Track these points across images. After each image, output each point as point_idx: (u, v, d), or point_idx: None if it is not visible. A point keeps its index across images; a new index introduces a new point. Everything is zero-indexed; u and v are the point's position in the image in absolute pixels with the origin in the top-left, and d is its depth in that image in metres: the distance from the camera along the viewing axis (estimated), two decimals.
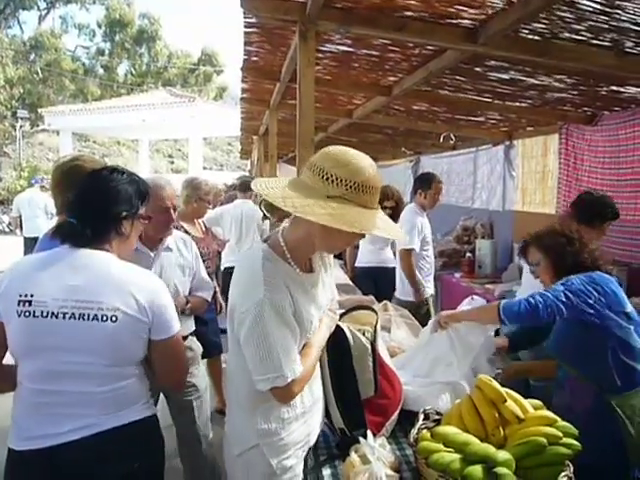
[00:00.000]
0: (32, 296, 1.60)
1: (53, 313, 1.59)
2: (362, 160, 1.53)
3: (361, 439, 1.68)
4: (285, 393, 1.55)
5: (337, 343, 1.78)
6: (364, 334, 1.85)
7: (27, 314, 1.59)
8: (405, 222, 4.30)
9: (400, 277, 4.41)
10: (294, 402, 1.65)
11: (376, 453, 1.64)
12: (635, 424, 2.01)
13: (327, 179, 1.47)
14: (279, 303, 1.52)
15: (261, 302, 1.49)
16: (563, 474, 1.52)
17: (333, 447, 1.89)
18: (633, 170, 4.22)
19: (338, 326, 1.81)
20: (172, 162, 32.90)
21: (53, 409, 1.62)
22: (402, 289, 4.41)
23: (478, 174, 6.53)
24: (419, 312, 4.05)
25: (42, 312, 1.59)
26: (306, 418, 1.72)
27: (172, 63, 34.72)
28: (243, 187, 5.69)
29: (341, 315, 1.96)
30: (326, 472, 1.75)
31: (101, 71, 34.22)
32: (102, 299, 1.61)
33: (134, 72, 34.16)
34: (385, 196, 4.51)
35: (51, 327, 1.59)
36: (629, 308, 2.09)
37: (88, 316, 1.60)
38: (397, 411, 1.93)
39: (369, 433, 1.71)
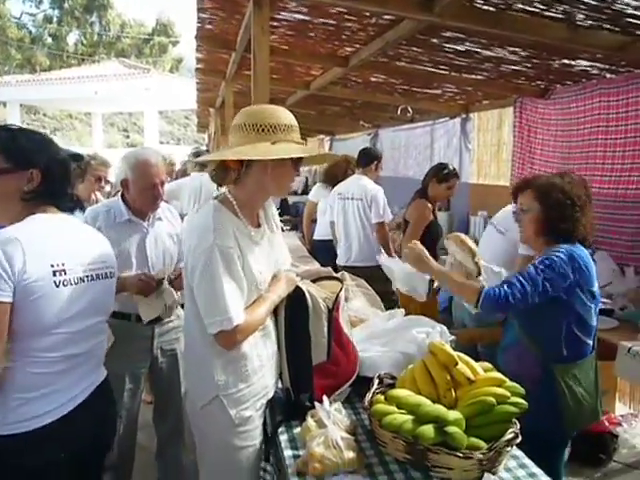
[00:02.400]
0: (64, 264, 1.62)
1: (81, 278, 1.67)
2: (272, 106, 1.76)
3: (317, 404, 1.71)
4: (229, 338, 1.66)
5: (295, 304, 1.82)
6: (325, 300, 1.87)
7: (65, 283, 1.62)
8: (376, 193, 4.42)
9: (368, 245, 4.45)
10: (251, 356, 1.76)
11: (332, 417, 1.67)
12: (574, 393, 2.08)
13: (252, 129, 1.66)
14: (228, 251, 1.65)
15: (211, 247, 1.63)
16: (510, 430, 1.58)
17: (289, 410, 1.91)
18: (583, 143, 4.34)
19: (298, 287, 1.85)
20: (127, 136, 32.13)
21: (73, 371, 1.67)
22: (369, 256, 4.37)
23: (435, 147, 6.60)
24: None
25: (75, 278, 1.65)
26: (264, 372, 1.81)
27: (125, 33, 33.59)
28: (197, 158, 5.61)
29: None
30: (283, 437, 1.77)
31: (49, 40, 32.86)
32: (104, 258, 1.78)
33: (85, 42, 32.94)
34: (351, 164, 4.91)
35: (81, 292, 1.66)
36: (595, 287, 2.10)
37: (102, 275, 1.76)
38: (351, 379, 1.95)
39: (325, 398, 1.73)
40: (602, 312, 3.13)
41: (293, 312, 1.83)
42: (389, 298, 3.65)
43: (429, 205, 3.95)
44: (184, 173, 6.53)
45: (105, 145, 23.59)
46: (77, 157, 2.98)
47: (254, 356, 1.77)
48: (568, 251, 2.03)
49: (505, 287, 2.00)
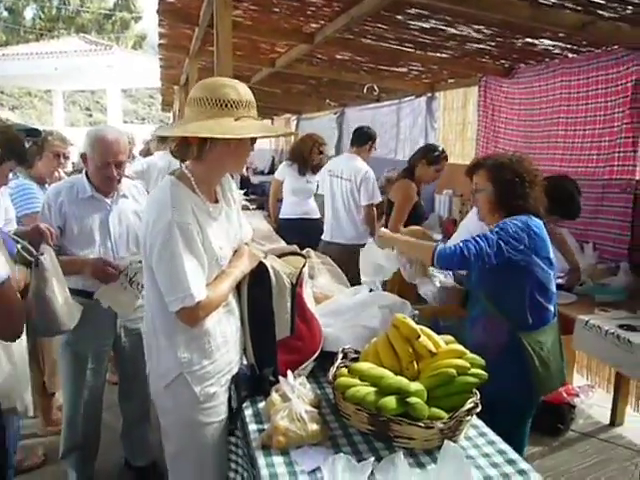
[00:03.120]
0: None
1: None
2: (231, 81, 1.72)
3: (281, 379, 1.72)
4: (192, 315, 1.65)
5: (258, 280, 1.82)
6: (288, 276, 1.87)
7: None
8: (366, 176, 4.42)
9: (352, 224, 4.51)
10: (214, 332, 1.76)
11: (296, 391, 1.68)
12: (541, 359, 2.16)
13: (214, 104, 1.63)
14: (187, 227, 1.63)
15: (170, 224, 1.61)
16: (470, 400, 1.62)
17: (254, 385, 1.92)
18: (545, 122, 4.41)
19: (262, 263, 1.85)
20: (90, 115, 31.29)
21: None
22: (352, 235, 4.51)
23: (401, 126, 6.61)
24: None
25: None
26: (227, 348, 1.82)
27: (85, 7, 32.46)
28: (162, 138, 5.50)
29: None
30: (247, 412, 1.78)
31: (5, 14, 31.57)
32: None
33: (43, 16, 31.71)
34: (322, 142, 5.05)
35: None
36: (552, 254, 2.20)
37: None
38: (315, 354, 1.97)
39: (289, 372, 1.74)
40: (561, 287, 3.23)
41: (256, 288, 1.83)
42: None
43: (413, 185, 3.92)
44: (147, 152, 6.42)
45: (67, 124, 22.99)
46: (34, 132, 2.90)
47: (217, 333, 1.77)
48: (523, 220, 2.13)
49: (460, 244, 2.11)
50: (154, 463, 2.91)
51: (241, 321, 1.88)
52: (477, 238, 2.10)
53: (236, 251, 1.86)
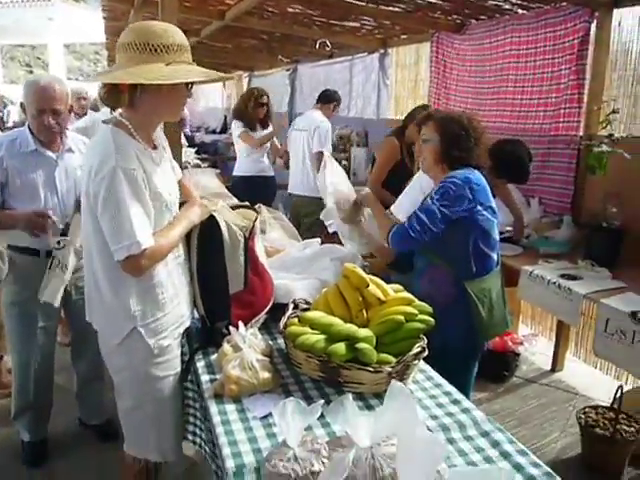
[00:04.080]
0: None
1: None
2: (162, 24, 1.67)
3: (232, 329, 1.73)
4: (137, 263, 1.60)
5: (208, 234, 1.81)
6: (241, 229, 1.86)
7: None
8: (320, 125, 4.67)
9: (308, 176, 4.77)
10: (167, 284, 1.74)
11: (247, 341, 1.70)
12: (485, 305, 2.23)
13: (143, 49, 1.57)
14: (132, 173, 1.59)
15: (114, 169, 1.56)
16: (417, 345, 1.67)
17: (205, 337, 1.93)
18: (495, 78, 4.44)
19: (213, 217, 1.82)
20: (30, 71, 29.72)
21: None
22: (308, 187, 4.76)
23: (354, 83, 6.55)
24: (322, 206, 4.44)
25: None
26: (179, 300, 1.81)
27: None
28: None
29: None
30: (200, 364, 1.79)
31: None
32: None
33: None
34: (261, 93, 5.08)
35: None
36: (493, 203, 2.25)
37: None
38: (267, 308, 1.98)
39: (240, 324, 1.75)
40: (508, 240, 3.33)
41: (207, 243, 1.82)
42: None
43: (396, 143, 3.87)
44: (95, 108, 6.20)
45: (6, 80, 21.89)
46: None
47: (169, 284, 1.76)
48: (463, 175, 2.16)
49: (405, 224, 2.17)
50: (108, 421, 2.91)
51: (191, 274, 1.87)
52: (419, 214, 2.14)
53: (184, 202, 1.83)
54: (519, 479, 1.28)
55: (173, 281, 1.78)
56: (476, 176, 2.20)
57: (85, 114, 5.77)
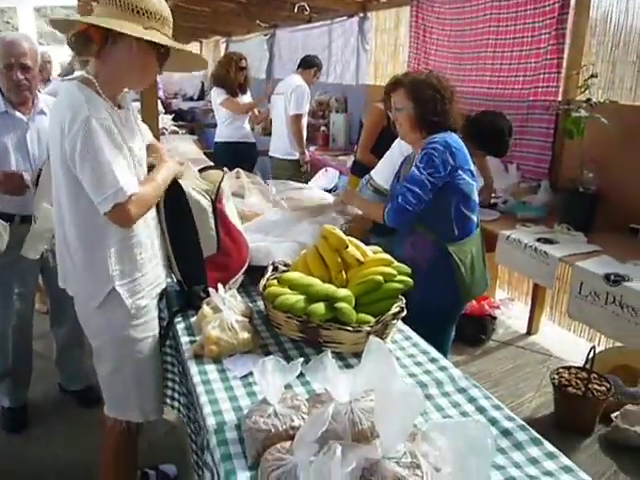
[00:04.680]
0: None
1: None
2: None
3: (212, 291, 1.72)
4: (126, 212, 1.56)
5: (175, 199, 1.78)
6: (207, 192, 1.84)
7: None
8: (297, 88, 4.79)
9: (286, 139, 4.94)
10: (146, 244, 1.73)
11: (227, 303, 1.70)
12: (466, 267, 2.27)
13: (126, 8, 1.54)
14: (105, 122, 1.55)
15: (88, 119, 1.51)
16: (395, 305, 1.69)
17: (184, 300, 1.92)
18: (475, 43, 4.41)
19: (177, 183, 1.79)
20: None
21: None
22: (285, 150, 4.99)
23: (333, 48, 6.46)
24: (300, 170, 4.99)
25: None
26: (157, 261, 1.81)
27: None
28: (83, 61, 5.17)
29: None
30: (180, 326, 1.79)
31: None
32: None
33: None
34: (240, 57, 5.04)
35: None
36: (472, 166, 2.25)
37: None
38: (243, 268, 1.98)
39: (220, 286, 1.75)
40: (486, 205, 3.36)
41: (173, 209, 1.80)
42: None
43: (383, 109, 3.80)
44: (70, 71, 6.03)
45: None
46: None
47: (148, 245, 1.75)
48: (442, 140, 2.16)
49: (399, 200, 2.14)
50: (89, 387, 2.91)
51: (164, 239, 1.86)
52: (411, 187, 2.12)
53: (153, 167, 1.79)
54: (494, 432, 1.31)
55: (152, 241, 1.77)
56: (454, 139, 2.19)
57: (49, 80, 5.59)
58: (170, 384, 1.94)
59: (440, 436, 1.08)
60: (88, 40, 1.59)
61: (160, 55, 1.66)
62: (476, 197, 2.28)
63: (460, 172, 2.16)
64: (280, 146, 5.03)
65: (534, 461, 1.23)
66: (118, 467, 2.00)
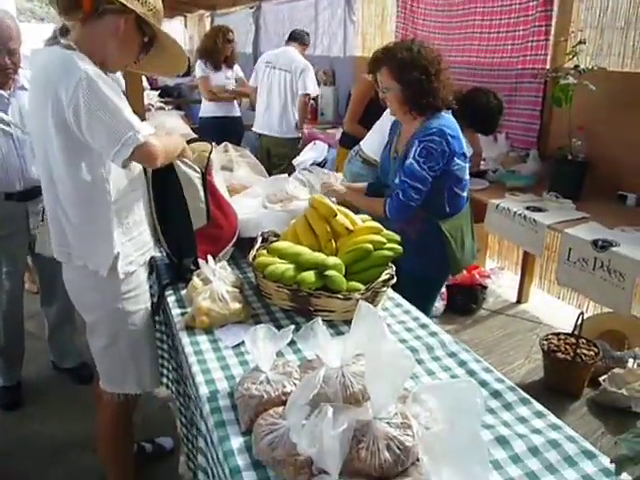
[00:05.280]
0: None
1: None
2: None
3: (202, 263, 1.72)
4: (149, 150, 1.51)
5: (164, 171, 1.74)
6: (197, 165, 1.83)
7: None
8: (305, 67, 4.68)
9: (290, 117, 4.80)
10: (133, 208, 1.71)
11: (217, 274, 1.69)
12: (457, 241, 2.28)
13: None
14: (103, 75, 1.50)
15: (85, 73, 1.45)
16: (385, 272, 1.69)
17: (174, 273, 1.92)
18: (463, 12, 4.36)
19: None
20: None
21: None
22: (289, 127, 4.83)
23: (319, 20, 6.37)
24: (297, 146, 4.98)
25: None
26: (144, 227, 1.79)
27: None
28: (63, 31, 5.06)
29: None
30: (170, 299, 1.79)
31: None
32: None
33: None
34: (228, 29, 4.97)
35: None
36: (465, 149, 2.21)
37: None
38: (233, 240, 1.97)
39: (210, 257, 1.74)
40: (476, 175, 3.35)
41: (161, 181, 1.78)
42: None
43: (368, 79, 3.74)
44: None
45: None
46: None
47: (136, 210, 1.73)
48: (438, 129, 2.08)
49: (401, 196, 2.12)
50: (82, 364, 2.92)
51: (151, 212, 1.84)
52: (414, 184, 2.09)
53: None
54: (485, 393, 1.33)
55: (139, 206, 1.75)
56: (449, 124, 2.13)
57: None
58: (159, 360, 1.95)
59: (430, 397, 1.10)
60: (76, 4, 1.52)
61: (143, 44, 1.65)
62: (467, 176, 2.25)
63: (455, 158, 2.13)
64: (280, 124, 4.81)
65: (523, 420, 1.25)
66: (117, 440, 2.01)
